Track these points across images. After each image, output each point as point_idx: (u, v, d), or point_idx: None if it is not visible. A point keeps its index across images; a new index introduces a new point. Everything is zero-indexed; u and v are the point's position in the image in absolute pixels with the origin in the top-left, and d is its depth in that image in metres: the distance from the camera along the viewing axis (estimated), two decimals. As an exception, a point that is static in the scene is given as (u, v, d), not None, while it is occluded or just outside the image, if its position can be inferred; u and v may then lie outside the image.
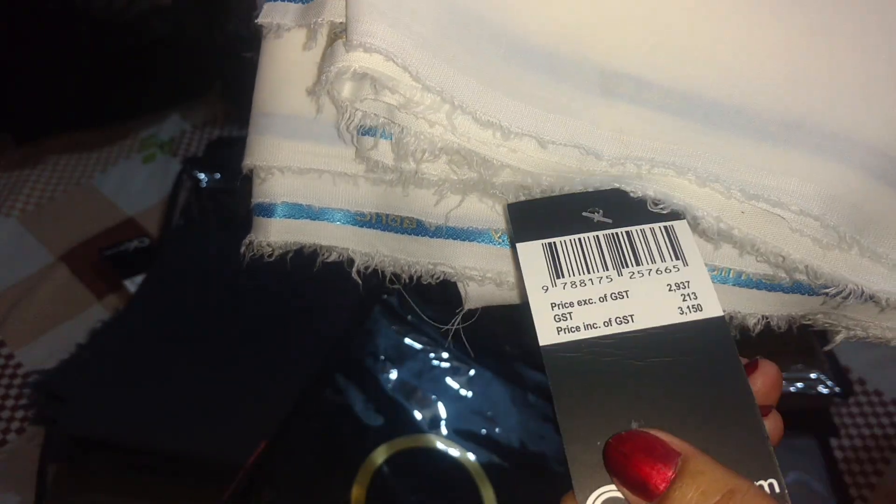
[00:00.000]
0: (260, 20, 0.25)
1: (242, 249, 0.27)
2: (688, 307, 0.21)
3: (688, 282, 0.21)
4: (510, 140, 0.22)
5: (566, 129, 0.22)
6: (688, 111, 0.22)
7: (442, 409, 0.53)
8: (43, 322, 0.65)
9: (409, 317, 0.55)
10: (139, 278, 0.65)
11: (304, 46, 0.25)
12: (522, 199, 0.23)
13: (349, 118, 0.23)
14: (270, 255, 0.27)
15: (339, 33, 0.23)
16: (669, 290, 0.21)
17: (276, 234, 0.27)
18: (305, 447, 0.51)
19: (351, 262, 0.27)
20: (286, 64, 0.26)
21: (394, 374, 0.54)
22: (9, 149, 0.78)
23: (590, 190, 0.22)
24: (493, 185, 0.23)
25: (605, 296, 0.21)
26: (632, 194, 0.22)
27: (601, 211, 0.22)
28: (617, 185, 0.22)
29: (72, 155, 0.79)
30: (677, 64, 0.23)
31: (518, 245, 0.22)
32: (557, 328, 0.21)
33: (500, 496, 0.50)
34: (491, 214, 0.25)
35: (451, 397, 0.53)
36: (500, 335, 0.54)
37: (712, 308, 0.21)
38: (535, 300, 0.21)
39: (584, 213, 0.22)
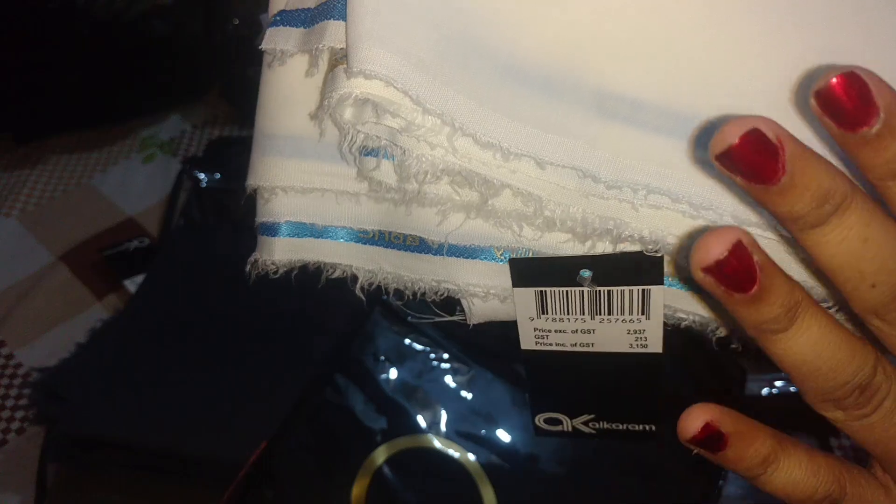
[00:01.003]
0: (263, 46, 0.25)
1: (248, 268, 0.28)
2: (637, 345, 0.26)
3: (644, 330, 0.26)
4: (510, 161, 0.22)
5: (563, 149, 0.22)
6: (682, 132, 0.22)
7: (442, 410, 0.53)
8: (43, 322, 0.65)
9: (410, 318, 0.55)
10: (139, 278, 0.65)
11: (306, 71, 0.25)
12: (525, 248, 0.25)
13: (351, 140, 0.23)
14: (276, 273, 0.27)
15: (339, 59, 0.23)
16: (628, 333, 0.26)
17: (280, 252, 0.27)
18: (305, 447, 0.51)
19: (354, 278, 0.27)
20: (288, 86, 0.26)
21: (394, 375, 0.54)
22: (9, 149, 0.78)
23: (586, 251, 0.25)
24: (496, 213, 0.24)
25: (577, 330, 0.26)
26: (627, 236, 0.23)
27: (591, 274, 0.25)
28: (611, 227, 0.23)
29: (72, 155, 0.79)
30: (672, 84, 0.23)
31: (515, 289, 0.26)
32: (536, 341, 0.27)
33: (500, 496, 0.50)
34: (493, 232, 0.25)
35: (451, 398, 0.53)
36: (501, 336, 0.54)
37: (655, 347, 0.26)
38: (521, 324, 0.27)
39: (577, 278, 0.25)
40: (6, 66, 0.69)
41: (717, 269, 0.19)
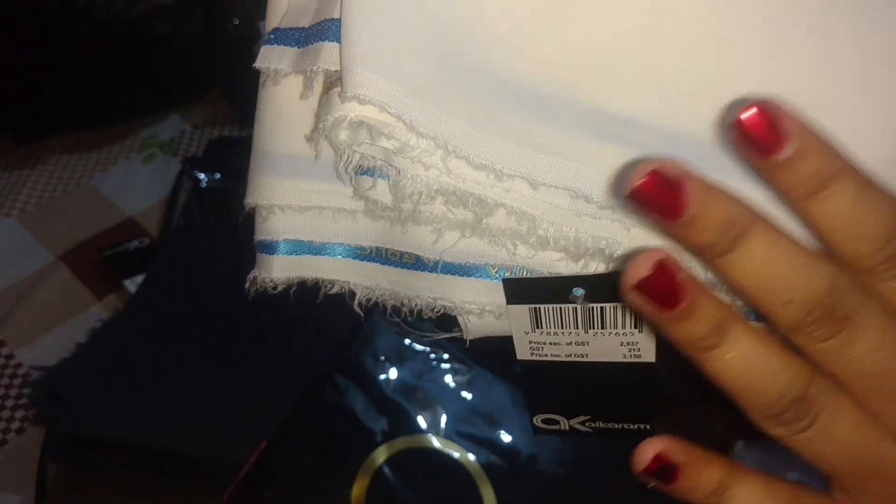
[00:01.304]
0: (258, 65, 0.25)
1: (247, 285, 0.28)
2: (631, 355, 0.26)
3: (637, 342, 0.26)
4: (503, 181, 0.23)
5: (556, 170, 0.22)
6: (675, 152, 0.22)
7: (442, 410, 0.53)
8: (43, 322, 0.65)
9: (410, 319, 0.55)
10: (139, 278, 0.65)
11: (301, 92, 0.25)
12: (518, 265, 0.26)
13: (347, 160, 0.24)
14: (275, 289, 0.28)
15: (334, 81, 0.23)
16: (621, 344, 0.26)
17: (279, 270, 0.27)
18: (305, 447, 0.51)
19: (352, 294, 0.28)
20: (284, 105, 0.26)
21: (394, 375, 0.54)
22: (9, 149, 0.78)
23: (579, 270, 0.25)
24: (490, 231, 0.24)
25: (571, 342, 0.27)
26: (619, 255, 0.23)
27: (584, 292, 0.25)
28: (604, 246, 0.23)
29: (72, 155, 0.79)
30: (666, 104, 0.23)
31: (509, 306, 0.26)
32: (531, 352, 0.28)
33: (500, 496, 0.50)
34: (487, 250, 0.25)
35: (451, 398, 0.53)
36: (500, 342, 0.54)
37: (648, 357, 0.26)
38: (517, 338, 0.27)
39: (570, 296, 0.25)
40: (6, 66, 0.69)
41: (644, 287, 0.20)
